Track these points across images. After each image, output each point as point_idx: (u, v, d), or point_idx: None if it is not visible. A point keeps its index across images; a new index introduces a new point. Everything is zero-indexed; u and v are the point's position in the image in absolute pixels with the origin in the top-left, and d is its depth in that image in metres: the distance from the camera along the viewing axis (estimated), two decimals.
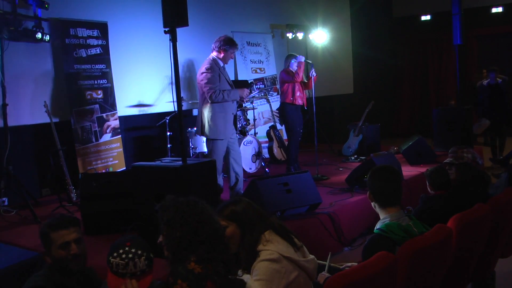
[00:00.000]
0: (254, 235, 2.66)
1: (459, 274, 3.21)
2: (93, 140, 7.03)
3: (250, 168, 7.62)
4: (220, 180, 5.86)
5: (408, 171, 7.04)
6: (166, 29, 4.19)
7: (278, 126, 8.83)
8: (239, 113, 7.88)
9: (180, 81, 4.35)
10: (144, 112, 8.04)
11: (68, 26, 6.81)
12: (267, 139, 8.82)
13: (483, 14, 12.56)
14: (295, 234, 2.81)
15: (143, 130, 8.19)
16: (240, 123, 7.88)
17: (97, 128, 7.07)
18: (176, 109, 4.32)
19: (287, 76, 7.23)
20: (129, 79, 7.71)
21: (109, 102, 7.26)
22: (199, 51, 8.17)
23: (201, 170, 4.30)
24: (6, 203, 6.09)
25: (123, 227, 4.79)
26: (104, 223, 4.94)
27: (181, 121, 4.26)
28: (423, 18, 13.62)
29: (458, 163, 4.41)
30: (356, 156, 8.77)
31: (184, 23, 4.21)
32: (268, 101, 9.07)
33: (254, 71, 9.70)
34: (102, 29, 7.19)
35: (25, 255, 4.35)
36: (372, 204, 3.02)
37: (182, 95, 5.23)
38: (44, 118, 6.45)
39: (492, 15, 12.59)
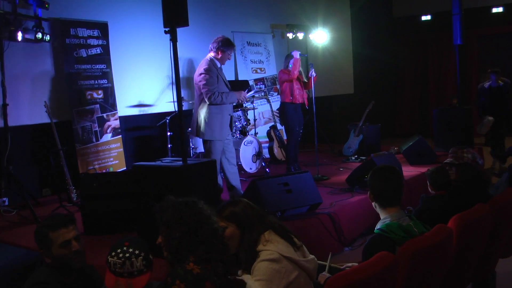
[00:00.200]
0: (253, 236, 2.67)
1: (459, 274, 3.21)
2: (94, 140, 7.03)
3: (250, 168, 7.62)
4: (220, 180, 5.85)
5: (408, 171, 7.04)
6: (167, 29, 4.19)
7: (279, 126, 8.82)
8: (239, 113, 7.88)
9: (181, 81, 4.36)
10: (144, 112, 8.05)
11: (68, 26, 6.81)
12: (267, 139, 8.82)
13: (483, 14, 12.56)
14: (295, 233, 2.81)
15: (143, 130, 8.19)
16: (240, 123, 7.88)
17: (97, 128, 7.07)
18: (176, 109, 4.32)
19: (284, 75, 7.22)
20: (129, 79, 7.71)
21: (109, 102, 7.26)
22: (199, 51, 8.16)
23: (201, 170, 4.30)
24: (6, 203, 6.09)
25: (123, 228, 4.82)
26: (105, 223, 4.94)
27: (181, 121, 4.26)
28: (424, 18, 13.61)
29: (458, 163, 4.42)
30: (356, 156, 8.77)
31: (185, 23, 4.21)
32: (269, 101, 9.08)
33: (254, 71, 9.70)
34: (103, 29, 7.19)
35: (25, 255, 4.36)
36: (373, 204, 3.02)
37: (182, 95, 5.21)
38: (44, 118, 6.45)
39: (492, 15, 12.59)
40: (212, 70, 5.64)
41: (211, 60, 5.73)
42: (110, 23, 7.29)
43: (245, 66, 9.55)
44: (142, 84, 7.93)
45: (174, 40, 4.16)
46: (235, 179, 5.89)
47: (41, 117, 6.53)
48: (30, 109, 6.62)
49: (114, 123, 7.31)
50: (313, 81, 7.12)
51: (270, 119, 9.45)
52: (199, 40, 8.22)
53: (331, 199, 5.79)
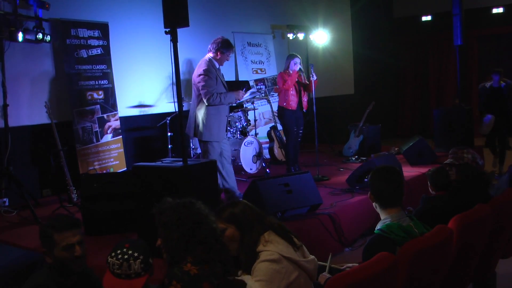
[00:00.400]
0: (253, 236, 2.67)
1: (459, 275, 3.21)
2: (94, 140, 7.04)
3: (250, 169, 7.62)
4: (220, 180, 5.86)
5: (408, 171, 7.03)
6: (167, 30, 4.19)
7: (279, 126, 8.81)
8: (240, 113, 7.89)
9: (181, 82, 4.35)
10: (145, 113, 8.05)
11: (69, 27, 6.82)
12: (267, 140, 8.82)
13: (483, 14, 12.56)
14: (295, 233, 2.81)
15: (143, 131, 8.19)
16: (240, 124, 7.88)
17: (98, 129, 7.07)
18: (176, 110, 4.32)
19: (280, 81, 7.11)
20: (130, 80, 7.72)
21: (110, 103, 7.26)
22: (199, 52, 8.12)
23: (201, 171, 4.30)
24: (7, 203, 6.10)
25: (123, 228, 4.82)
26: (105, 223, 4.94)
27: (181, 121, 4.26)
28: (424, 18, 13.61)
29: (458, 163, 4.41)
30: (356, 156, 8.76)
31: (185, 23, 4.20)
32: (269, 102, 9.08)
33: (254, 72, 9.70)
34: (103, 29, 7.19)
35: (25, 255, 4.36)
36: (373, 204, 3.02)
37: (182, 95, 5.23)
38: (44, 119, 6.46)
39: (492, 16, 12.58)
40: (211, 71, 5.65)
41: (209, 60, 5.74)
42: (110, 23, 7.30)
43: (246, 67, 9.56)
44: (143, 84, 7.94)
45: (174, 40, 4.16)
46: (232, 180, 5.90)
47: (42, 118, 6.54)
48: (31, 110, 6.62)
49: (115, 123, 7.31)
50: (314, 85, 7.06)
51: (270, 119, 9.45)
52: (199, 40, 8.22)
53: (331, 200, 5.79)
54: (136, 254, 2.36)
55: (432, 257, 2.69)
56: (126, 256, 2.34)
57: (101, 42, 7.17)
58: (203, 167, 4.36)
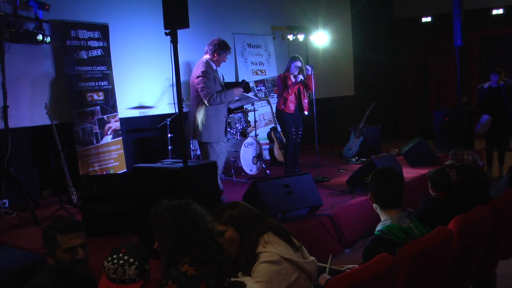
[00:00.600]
0: (252, 238, 2.67)
1: (460, 276, 3.21)
2: (94, 141, 7.04)
3: (251, 170, 7.62)
4: (219, 182, 5.86)
5: (409, 173, 7.03)
6: (167, 31, 4.19)
7: (279, 128, 8.82)
8: (240, 115, 7.89)
9: (181, 83, 4.35)
10: (145, 114, 8.05)
11: (69, 28, 6.82)
12: (268, 141, 8.82)
13: (483, 15, 12.56)
14: (294, 234, 2.81)
15: (144, 132, 8.19)
16: (240, 125, 7.88)
17: (98, 130, 7.07)
18: (177, 111, 4.32)
19: (281, 85, 7.04)
20: (130, 81, 7.72)
21: (110, 104, 7.26)
22: (200, 53, 8.07)
23: (202, 172, 4.30)
24: (7, 204, 6.09)
25: (123, 230, 4.81)
26: (105, 225, 4.94)
27: (181, 123, 4.26)
28: (424, 19, 13.62)
29: (458, 165, 4.41)
30: (357, 158, 8.76)
31: (185, 25, 4.21)
32: (269, 103, 9.08)
33: (255, 73, 9.70)
34: (103, 31, 7.20)
35: (25, 257, 4.36)
36: (374, 205, 3.02)
37: (182, 97, 5.24)
38: (45, 120, 6.45)
39: (492, 17, 12.59)
40: (209, 72, 5.68)
41: (207, 62, 5.77)
42: (110, 25, 7.30)
43: (246, 68, 9.56)
44: (143, 86, 7.94)
45: (174, 42, 4.16)
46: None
47: (42, 119, 6.54)
48: (31, 111, 6.62)
49: (115, 124, 7.31)
50: (313, 80, 7.01)
51: (270, 120, 9.45)
52: (199, 41, 8.22)
53: (331, 201, 5.79)
54: (131, 260, 2.36)
55: (432, 258, 2.69)
56: (121, 262, 2.34)
57: (101, 44, 7.18)
58: (203, 168, 4.35)
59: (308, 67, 7.01)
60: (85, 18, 7.07)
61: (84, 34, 6.97)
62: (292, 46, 10.56)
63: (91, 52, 7.06)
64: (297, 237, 2.80)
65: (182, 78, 5.84)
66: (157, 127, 7.94)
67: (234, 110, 7.89)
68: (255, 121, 8.63)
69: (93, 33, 7.09)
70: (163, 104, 8.12)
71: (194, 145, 7.60)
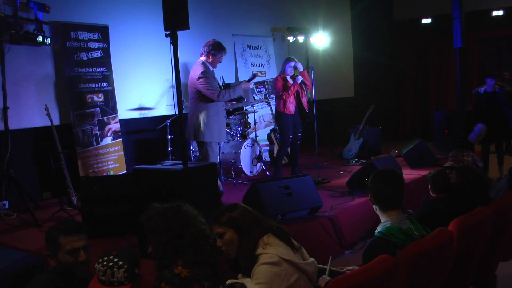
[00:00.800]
0: (252, 240, 2.67)
1: (460, 278, 3.20)
2: (94, 143, 7.04)
3: (251, 172, 7.62)
4: (219, 183, 5.86)
5: (409, 174, 7.03)
6: (167, 32, 4.20)
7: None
8: (240, 116, 7.88)
9: (181, 84, 4.36)
10: (145, 115, 8.05)
11: (69, 29, 6.82)
12: (268, 142, 8.82)
13: (483, 17, 12.56)
14: (293, 235, 2.81)
15: (144, 133, 8.19)
16: (241, 127, 7.88)
17: (98, 131, 7.07)
18: (177, 112, 4.32)
19: (280, 87, 6.97)
20: (130, 82, 7.72)
21: (110, 105, 7.26)
22: (199, 54, 8.17)
23: (202, 174, 4.30)
24: (7, 206, 6.09)
25: (123, 231, 4.81)
26: (105, 226, 4.94)
27: (181, 124, 4.27)
28: (424, 21, 13.61)
29: (458, 166, 4.41)
30: (357, 159, 8.76)
31: (185, 26, 4.21)
32: (269, 104, 9.08)
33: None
34: (103, 32, 7.20)
35: (25, 258, 4.36)
36: (374, 207, 3.02)
37: (182, 98, 5.24)
38: (45, 121, 6.45)
39: (492, 18, 12.58)
40: (209, 71, 5.73)
41: (203, 63, 5.80)
42: (110, 26, 7.30)
43: (246, 69, 9.56)
44: (143, 87, 7.94)
45: (174, 43, 4.17)
46: None
47: (42, 120, 6.54)
48: (31, 112, 6.62)
49: (115, 126, 7.31)
50: (311, 78, 6.99)
51: (270, 122, 9.45)
52: (199, 43, 8.13)
53: (331, 202, 5.79)
54: (120, 263, 2.36)
55: (432, 260, 2.69)
56: (110, 264, 2.36)
57: (101, 45, 7.18)
58: (203, 169, 4.36)
59: (298, 64, 6.99)
60: (85, 19, 7.07)
61: (84, 35, 6.98)
62: (292, 48, 10.57)
63: (91, 53, 7.06)
64: (296, 238, 2.80)
65: (182, 80, 5.83)
66: (157, 128, 7.94)
67: (233, 111, 7.89)
68: (255, 123, 8.63)
69: (93, 35, 7.09)
70: (163, 105, 8.12)
71: (194, 146, 7.60)
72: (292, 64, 6.98)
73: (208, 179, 4.38)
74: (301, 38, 10.36)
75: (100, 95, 7.17)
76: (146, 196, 4.22)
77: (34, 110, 6.60)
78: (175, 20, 4.16)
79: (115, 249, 2.42)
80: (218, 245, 2.67)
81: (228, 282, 2.64)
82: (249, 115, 8.20)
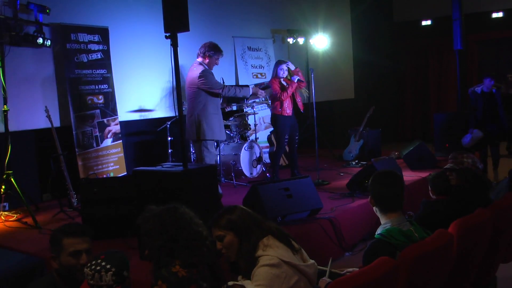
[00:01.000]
0: (252, 242, 2.66)
1: (460, 279, 3.20)
2: (94, 145, 7.03)
3: (251, 173, 7.62)
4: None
5: (409, 176, 7.03)
6: (167, 34, 4.20)
7: None
8: (239, 118, 7.88)
9: (181, 86, 4.36)
10: (145, 117, 8.05)
11: (69, 31, 6.83)
12: (268, 144, 8.82)
13: (483, 19, 12.57)
14: (293, 237, 2.81)
15: (144, 135, 8.19)
16: (241, 128, 7.87)
17: (98, 133, 7.07)
18: (177, 114, 4.32)
19: (278, 88, 6.90)
20: (130, 84, 7.72)
21: (110, 107, 7.26)
22: (196, 56, 8.17)
23: (202, 175, 4.30)
24: (7, 208, 6.08)
25: (123, 233, 4.80)
26: (105, 228, 4.93)
27: (182, 126, 4.27)
28: (424, 23, 13.62)
29: (458, 168, 4.41)
30: (357, 161, 8.76)
31: (185, 28, 4.22)
32: (269, 106, 9.06)
33: (255, 76, 9.71)
34: (103, 34, 7.21)
35: (25, 260, 4.35)
36: (374, 208, 3.02)
37: (182, 100, 5.24)
38: (45, 123, 6.46)
39: (492, 20, 12.59)
40: (208, 70, 5.76)
41: (201, 63, 5.81)
42: (110, 28, 7.30)
43: (246, 71, 9.57)
44: (143, 89, 7.94)
45: (174, 45, 4.17)
46: None
47: (42, 122, 6.54)
48: (31, 114, 6.62)
49: (115, 128, 7.31)
50: (299, 73, 6.95)
51: (270, 124, 9.44)
52: (199, 45, 8.19)
53: (331, 204, 5.78)
54: (108, 266, 2.36)
55: (432, 261, 2.68)
56: (98, 268, 2.36)
57: (101, 47, 7.18)
58: (203, 171, 4.36)
59: (289, 64, 6.98)
60: (85, 21, 7.07)
61: (84, 37, 6.98)
62: (292, 49, 10.58)
63: (91, 55, 7.07)
64: (296, 240, 2.80)
65: (182, 81, 5.85)
66: (157, 130, 7.94)
67: (230, 113, 7.90)
68: (255, 125, 8.63)
69: (93, 37, 7.09)
70: (163, 107, 8.13)
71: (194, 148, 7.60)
72: (284, 66, 6.94)
73: (208, 181, 4.38)
74: (301, 40, 10.37)
75: (100, 97, 7.17)
76: (146, 198, 4.22)
77: (34, 112, 6.61)
78: (175, 22, 4.17)
79: (103, 253, 2.43)
80: (218, 248, 2.67)
81: (229, 284, 2.64)
82: (249, 117, 8.20)
